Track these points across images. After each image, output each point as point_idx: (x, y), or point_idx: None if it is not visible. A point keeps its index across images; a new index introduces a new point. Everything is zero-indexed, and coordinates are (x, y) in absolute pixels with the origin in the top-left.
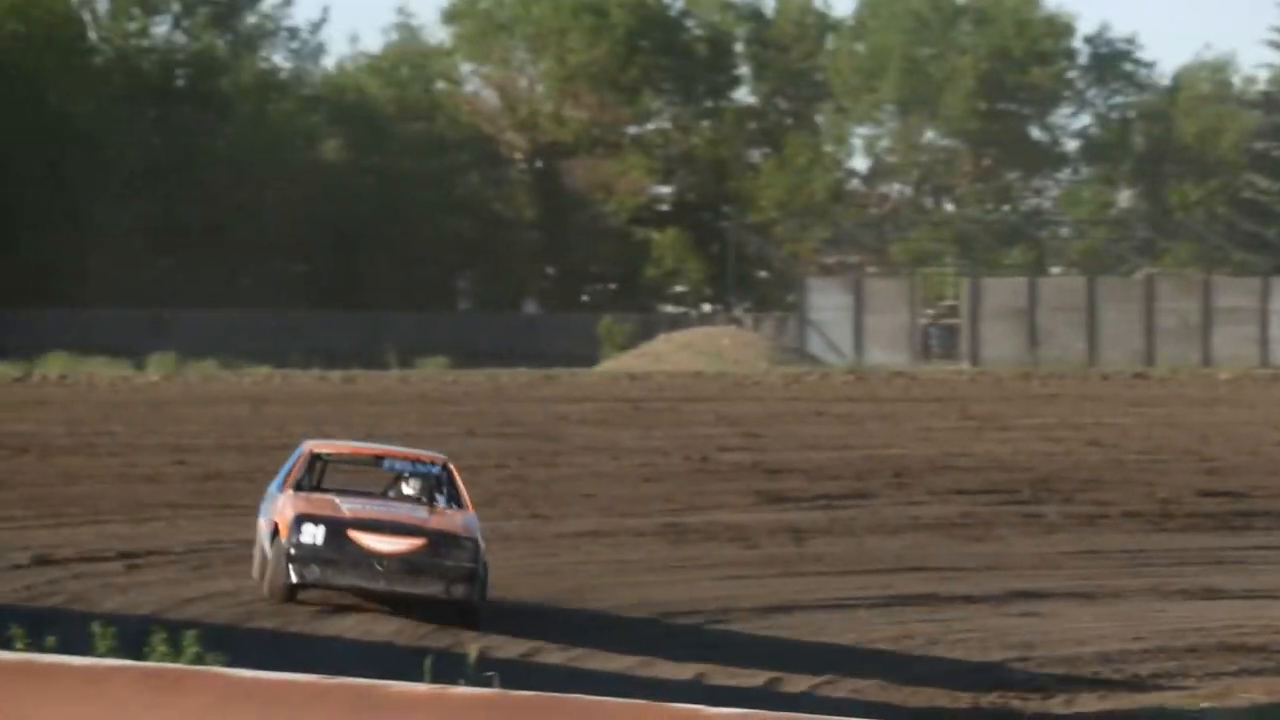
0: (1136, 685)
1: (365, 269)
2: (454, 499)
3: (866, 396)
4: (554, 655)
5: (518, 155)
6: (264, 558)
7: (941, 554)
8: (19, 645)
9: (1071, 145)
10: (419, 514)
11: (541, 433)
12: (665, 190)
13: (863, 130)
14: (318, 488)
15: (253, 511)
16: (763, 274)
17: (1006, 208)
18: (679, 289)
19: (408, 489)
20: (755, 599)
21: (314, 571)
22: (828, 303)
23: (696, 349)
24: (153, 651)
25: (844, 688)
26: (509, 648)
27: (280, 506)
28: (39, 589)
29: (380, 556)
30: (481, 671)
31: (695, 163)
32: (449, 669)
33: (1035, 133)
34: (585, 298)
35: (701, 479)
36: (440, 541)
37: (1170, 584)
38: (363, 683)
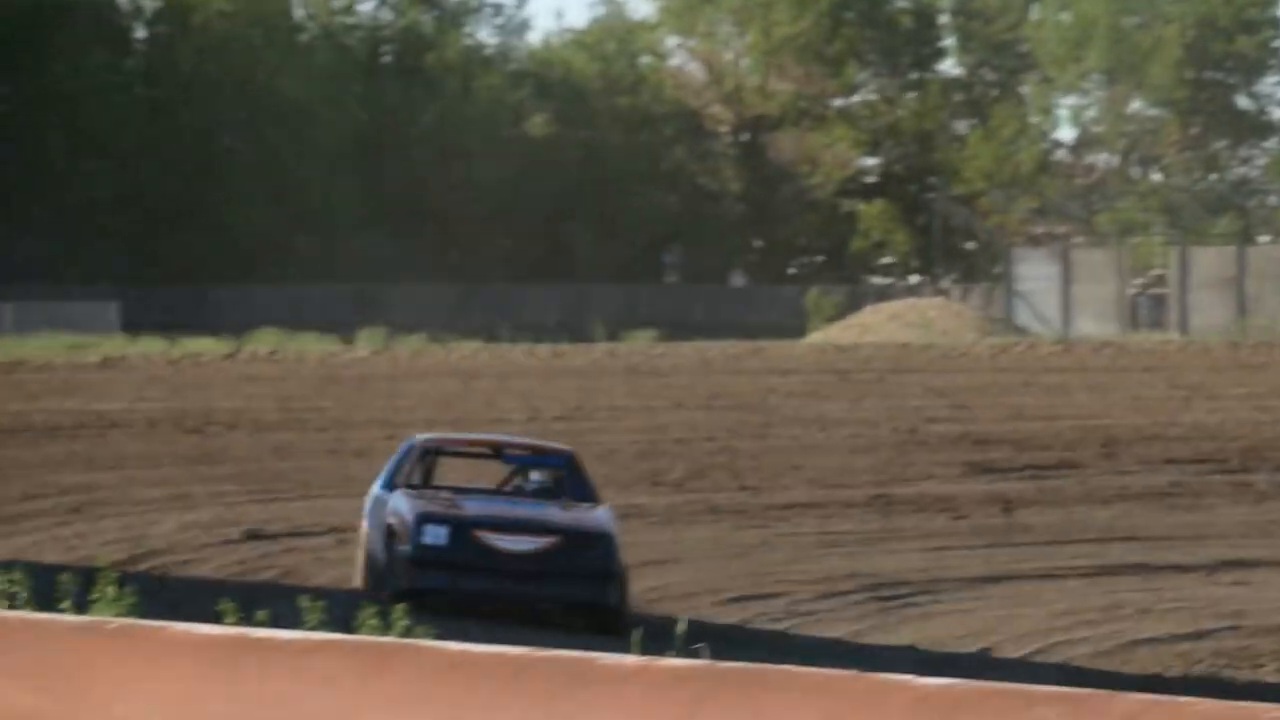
0: None
1: (572, 242)
2: (582, 493)
3: (1075, 366)
4: (764, 626)
5: (723, 128)
6: (372, 565)
7: (1151, 523)
8: (230, 619)
9: (1279, 114)
10: (548, 510)
11: (750, 405)
12: (871, 162)
13: (1069, 100)
14: (429, 485)
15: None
16: (969, 245)
17: (1214, 177)
18: (886, 260)
19: (528, 483)
20: (964, 569)
21: (439, 576)
22: (1035, 273)
23: (904, 320)
24: (362, 625)
25: (1056, 656)
26: (719, 619)
27: (395, 507)
28: (251, 564)
29: (510, 557)
30: (690, 643)
31: (901, 134)
32: (659, 641)
33: (1242, 101)
34: (792, 270)
35: (910, 450)
36: (575, 539)
37: None
38: (571, 655)
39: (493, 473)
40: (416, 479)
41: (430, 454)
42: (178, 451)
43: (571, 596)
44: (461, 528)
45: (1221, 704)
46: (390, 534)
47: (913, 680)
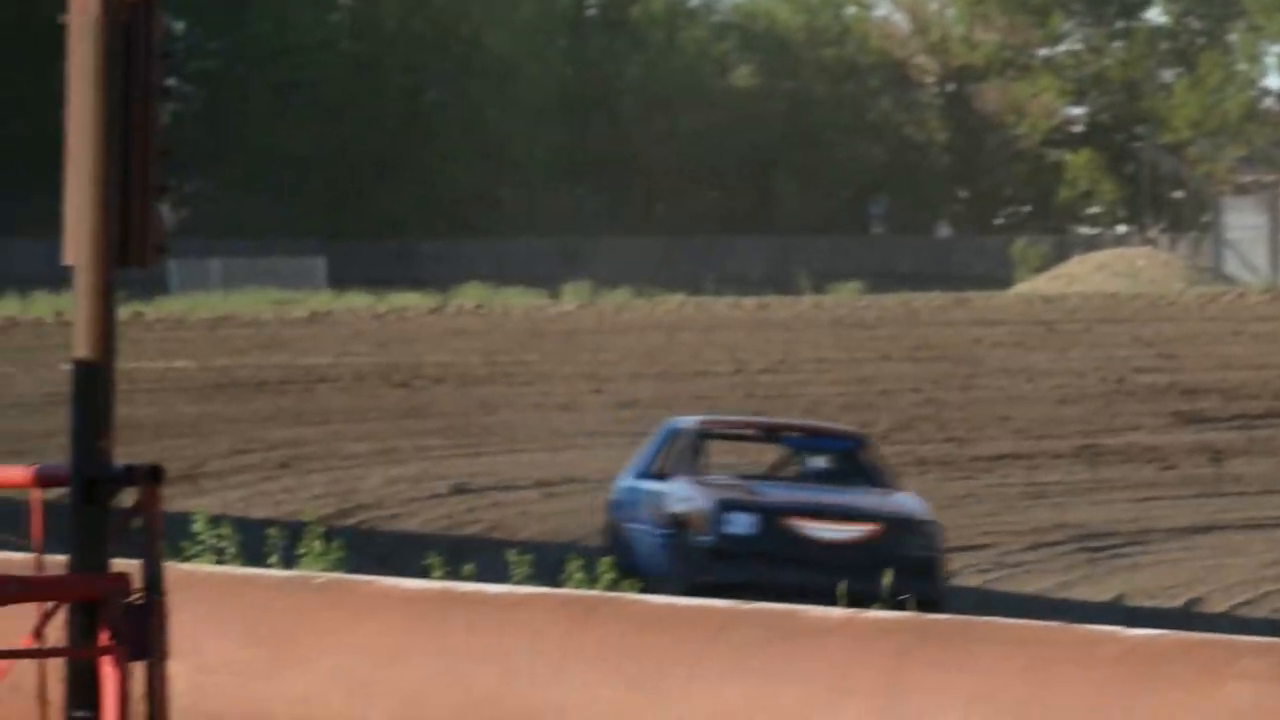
0: None
1: (777, 195)
2: (876, 478)
3: None
4: (971, 578)
5: (928, 79)
6: (633, 561)
7: None
8: (437, 573)
9: None
10: (860, 496)
11: (956, 356)
12: (1078, 112)
13: (1277, 48)
14: (707, 471)
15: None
16: (1177, 194)
17: None
18: (1093, 210)
19: (808, 468)
20: (1172, 520)
21: (745, 568)
22: (1243, 222)
23: (1111, 270)
24: (569, 579)
25: (1264, 608)
26: None
27: (680, 495)
28: (458, 518)
29: (828, 547)
30: (896, 596)
31: (1107, 84)
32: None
33: None
34: (998, 220)
35: (1118, 400)
36: (897, 526)
37: None
38: (776, 608)
39: (742, 457)
40: (693, 465)
41: (705, 437)
42: (384, 406)
43: (895, 590)
44: (770, 515)
45: None
46: (678, 524)
47: (1119, 632)
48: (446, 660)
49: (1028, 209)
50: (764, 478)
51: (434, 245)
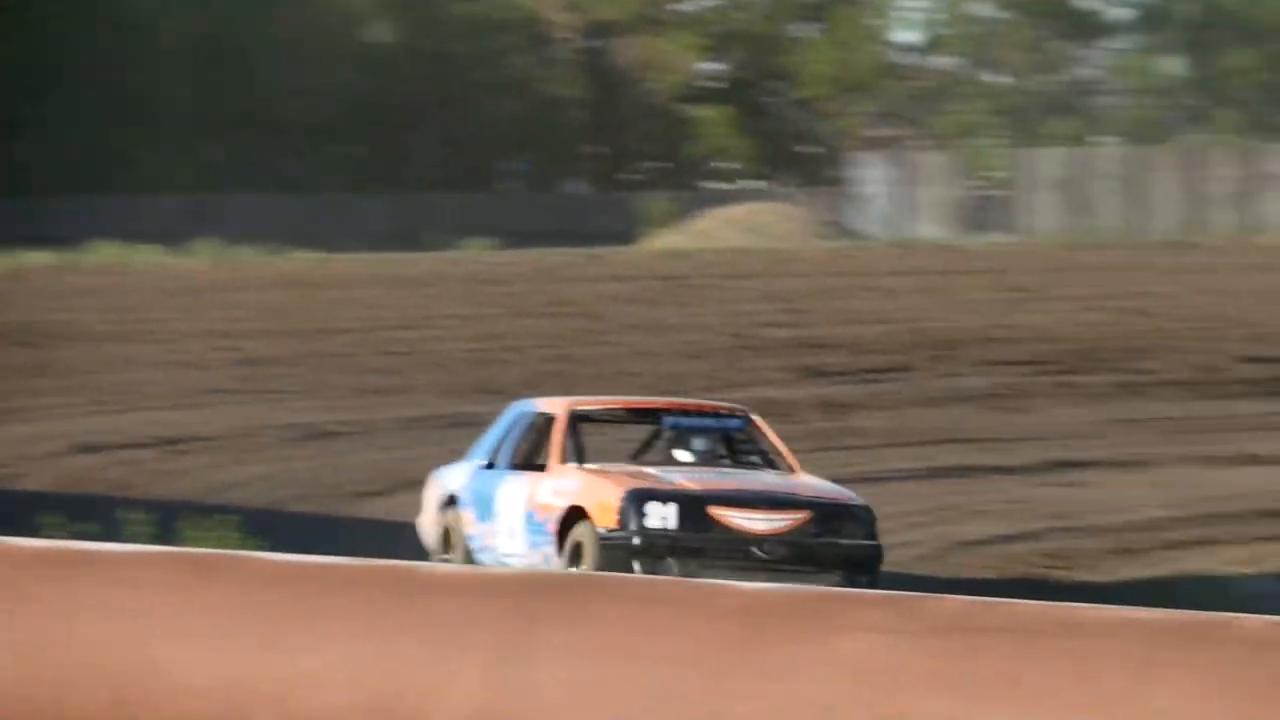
0: (1173, 552)
1: (413, 152)
2: (770, 460)
3: (911, 270)
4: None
5: (566, 35)
6: (499, 560)
7: (982, 426)
8: (59, 533)
9: (1120, 14)
10: (775, 480)
11: (587, 312)
12: (713, 67)
13: (912, 3)
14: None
15: (299, 395)
16: (810, 149)
17: (1054, 78)
18: (727, 166)
19: (687, 453)
20: None
21: (669, 565)
22: (874, 177)
23: (742, 225)
24: (191, 537)
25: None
26: None
27: (572, 486)
28: (80, 476)
29: (759, 539)
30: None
31: (744, 39)
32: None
33: (1085, 2)
34: (632, 176)
35: (743, 355)
36: (829, 514)
37: (1213, 451)
38: (398, 564)
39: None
40: (571, 452)
41: (580, 419)
42: (7, 364)
43: (834, 583)
44: (693, 504)
45: (1038, 604)
46: (568, 518)
47: (738, 586)
48: (62, 621)
49: (662, 165)
50: (659, 464)
51: (63, 202)
